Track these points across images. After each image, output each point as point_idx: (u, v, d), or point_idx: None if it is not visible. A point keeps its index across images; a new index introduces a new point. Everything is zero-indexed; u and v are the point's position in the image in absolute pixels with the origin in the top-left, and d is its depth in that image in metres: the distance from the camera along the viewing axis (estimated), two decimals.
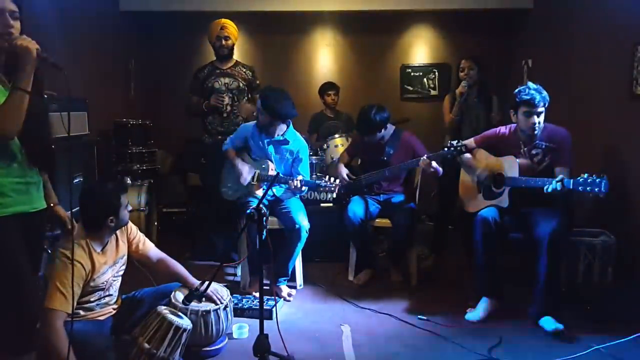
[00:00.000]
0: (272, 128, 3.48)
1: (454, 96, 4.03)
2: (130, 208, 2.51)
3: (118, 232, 2.55)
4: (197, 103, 4.05)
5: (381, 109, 3.56)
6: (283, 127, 3.52)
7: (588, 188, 2.65)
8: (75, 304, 2.22)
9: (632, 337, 2.64)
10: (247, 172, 3.52)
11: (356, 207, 3.61)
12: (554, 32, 4.65)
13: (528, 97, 2.98)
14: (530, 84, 3.07)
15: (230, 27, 4.04)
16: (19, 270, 1.90)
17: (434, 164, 3.38)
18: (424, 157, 3.40)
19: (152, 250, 2.67)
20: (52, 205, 2.19)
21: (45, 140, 2.00)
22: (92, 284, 2.36)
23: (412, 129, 4.01)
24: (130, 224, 2.64)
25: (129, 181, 4.26)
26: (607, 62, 3.77)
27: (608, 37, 3.76)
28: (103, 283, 2.41)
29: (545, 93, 3.01)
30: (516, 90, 3.08)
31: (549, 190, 2.78)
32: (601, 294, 3.18)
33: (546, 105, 3.01)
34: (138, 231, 2.67)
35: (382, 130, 3.61)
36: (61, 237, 2.36)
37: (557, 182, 2.75)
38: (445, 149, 3.28)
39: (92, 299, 2.41)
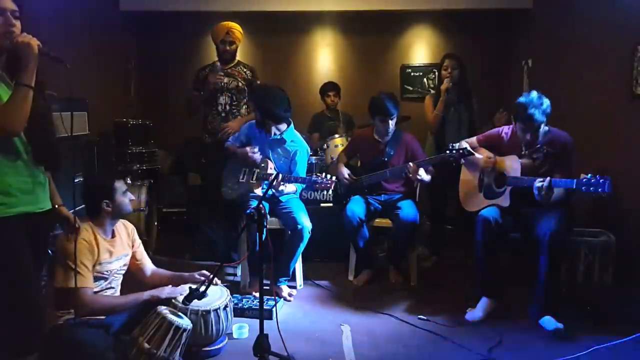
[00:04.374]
0: (268, 127, 3.48)
1: (436, 96, 4.04)
2: (132, 197, 2.59)
3: (124, 233, 2.63)
4: (197, 96, 4.04)
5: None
6: (282, 126, 3.52)
7: (592, 188, 2.63)
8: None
9: (632, 337, 2.64)
10: (252, 151, 3.49)
11: (355, 207, 3.61)
12: (554, 32, 4.65)
13: (526, 116, 2.88)
14: (533, 96, 2.93)
15: (237, 32, 4.03)
16: (22, 271, 1.91)
17: (420, 171, 3.38)
18: (411, 164, 3.42)
19: (147, 264, 2.79)
20: (56, 206, 2.21)
21: (51, 138, 2.03)
22: (97, 267, 2.43)
23: (412, 129, 4.01)
24: (136, 235, 2.72)
25: (129, 181, 4.26)
26: (607, 62, 3.76)
27: (608, 37, 3.76)
28: (107, 272, 2.49)
29: (545, 106, 2.90)
30: (518, 102, 2.96)
31: (537, 185, 2.78)
32: (601, 294, 3.18)
33: (547, 118, 2.92)
34: (141, 244, 2.78)
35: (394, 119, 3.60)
36: (62, 233, 2.41)
37: (541, 181, 2.76)
38: (447, 151, 3.28)
39: (94, 289, 2.45)
